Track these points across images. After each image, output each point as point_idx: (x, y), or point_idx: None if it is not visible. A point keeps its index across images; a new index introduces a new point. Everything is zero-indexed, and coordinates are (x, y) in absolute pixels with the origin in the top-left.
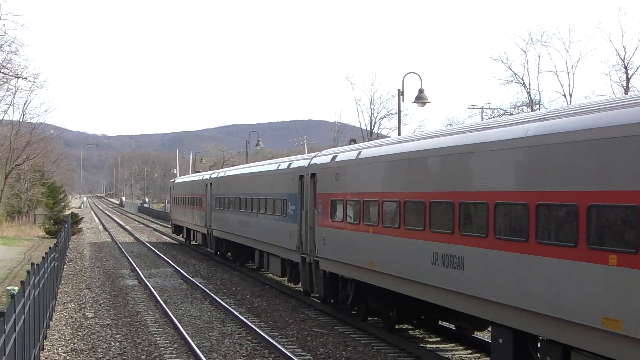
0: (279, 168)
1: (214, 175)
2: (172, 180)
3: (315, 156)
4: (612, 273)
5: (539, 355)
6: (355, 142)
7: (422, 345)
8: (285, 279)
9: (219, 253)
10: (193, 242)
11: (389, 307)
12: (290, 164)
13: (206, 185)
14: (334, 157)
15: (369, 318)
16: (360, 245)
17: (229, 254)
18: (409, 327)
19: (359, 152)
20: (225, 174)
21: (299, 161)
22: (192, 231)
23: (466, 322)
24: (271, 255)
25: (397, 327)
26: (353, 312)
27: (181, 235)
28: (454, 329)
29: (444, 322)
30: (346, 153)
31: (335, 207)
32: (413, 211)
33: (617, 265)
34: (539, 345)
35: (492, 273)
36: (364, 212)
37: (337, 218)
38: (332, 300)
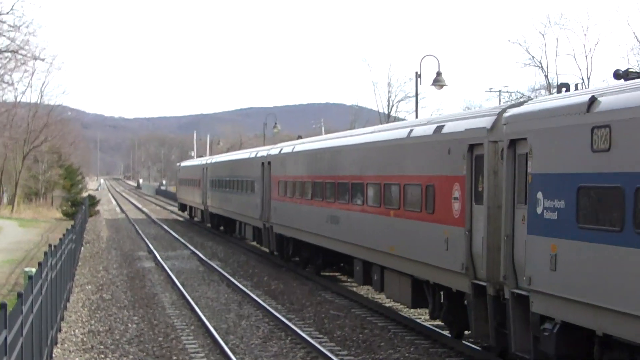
0: (250, 157)
1: (209, 161)
2: (177, 164)
3: (271, 148)
4: (391, 221)
5: (372, 274)
6: (302, 138)
7: (341, 284)
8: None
9: (212, 226)
10: (196, 219)
11: (316, 256)
12: (257, 154)
13: (203, 169)
14: (281, 149)
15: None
16: (292, 212)
17: (221, 227)
18: (338, 273)
19: (294, 147)
20: (217, 160)
21: (262, 152)
22: (193, 208)
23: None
24: (246, 224)
25: (324, 273)
26: (294, 259)
27: (186, 212)
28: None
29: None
30: (288, 147)
31: (280, 186)
32: (317, 188)
33: (392, 217)
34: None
35: (352, 225)
36: (294, 189)
37: (281, 194)
38: (283, 258)
